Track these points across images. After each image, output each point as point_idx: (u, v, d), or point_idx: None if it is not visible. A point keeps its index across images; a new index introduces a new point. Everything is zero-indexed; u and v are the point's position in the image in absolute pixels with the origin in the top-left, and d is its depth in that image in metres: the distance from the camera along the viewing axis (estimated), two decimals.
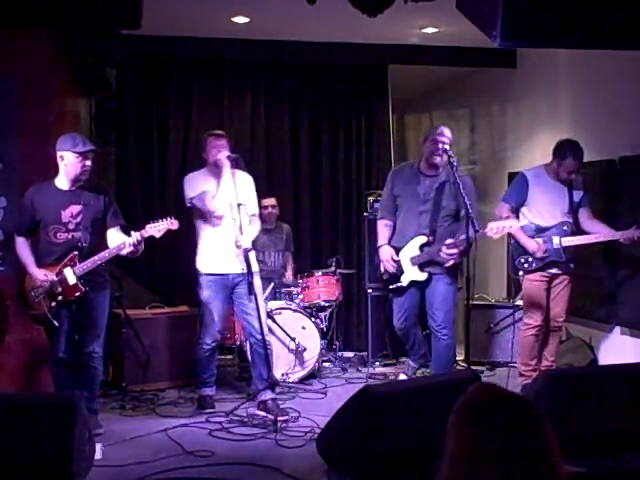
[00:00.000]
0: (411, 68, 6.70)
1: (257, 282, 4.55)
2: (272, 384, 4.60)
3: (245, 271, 4.43)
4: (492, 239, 4.90)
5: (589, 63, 5.52)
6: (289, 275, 6.08)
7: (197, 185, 4.61)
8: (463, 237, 4.33)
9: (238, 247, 4.45)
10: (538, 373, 4.61)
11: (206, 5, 5.22)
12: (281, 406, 4.62)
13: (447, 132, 4.65)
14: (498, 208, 4.89)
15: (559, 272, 4.78)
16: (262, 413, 4.50)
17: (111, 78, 5.68)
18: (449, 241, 4.50)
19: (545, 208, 4.67)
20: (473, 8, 3.23)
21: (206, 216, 4.58)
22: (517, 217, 4.70)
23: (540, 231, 4.71)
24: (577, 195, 4.75)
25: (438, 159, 4.65)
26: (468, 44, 6.17)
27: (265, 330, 4.54)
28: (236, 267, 4.54)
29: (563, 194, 4.71)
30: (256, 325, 4.47)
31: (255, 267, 4.56)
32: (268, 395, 4.56)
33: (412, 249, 4.76)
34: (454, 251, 4.51)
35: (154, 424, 4.39)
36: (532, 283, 4.80)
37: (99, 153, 4.77)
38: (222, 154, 4.53)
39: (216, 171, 4.56)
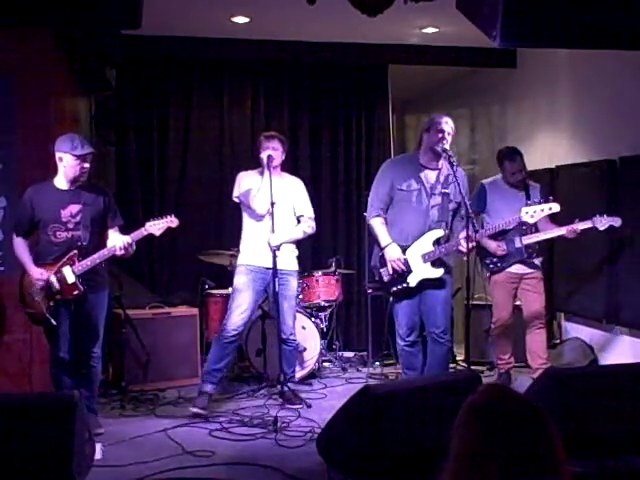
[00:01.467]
0: (411, 68, 6.70)
1: (291, 283, 4.88)
2: (291, 379, 4.91)
3: (287, 268, 4.81)
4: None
5: (589, 63, 5.52)
6: None
7: (245, 182, 4.84)
8: (472, 230, 4.11)
9: (268, 244, 4.67)
10: (540, 373, 4.62)
11: (206, 5, 5.22)
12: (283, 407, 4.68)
13: (451, 122, 4.37)
14: None
15: (527, 270, 5.04)
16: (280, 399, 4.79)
17: (111, 78, 5.67)
18: (463, 234, 4.18)
19: (503, 213, 4.86)
20: (473, 8, 3.21)
21: (250, 212, 4.80)
22: (481, 224, 4.99)
23: (501, 233, 4.93)
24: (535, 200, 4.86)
25: (441, 147, 4.28)
26: (468, 44, 6.18)
27: (289, 328, 4.87)
28: (272, 263, 4.69)
29: (520, 199, 4.96)
30: (281, 323, 4.76)
31: (289, 266, 4.87)
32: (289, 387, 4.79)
33: (424, 245, 4.34)
34: (472, 244, 4.19)
35: (154, 424, 4.39)
36: (498, 284, 5.12)
37: (99, 153, 4.77)
38: (262, 154, 4.79)
39: (264, 171, 4.79)
